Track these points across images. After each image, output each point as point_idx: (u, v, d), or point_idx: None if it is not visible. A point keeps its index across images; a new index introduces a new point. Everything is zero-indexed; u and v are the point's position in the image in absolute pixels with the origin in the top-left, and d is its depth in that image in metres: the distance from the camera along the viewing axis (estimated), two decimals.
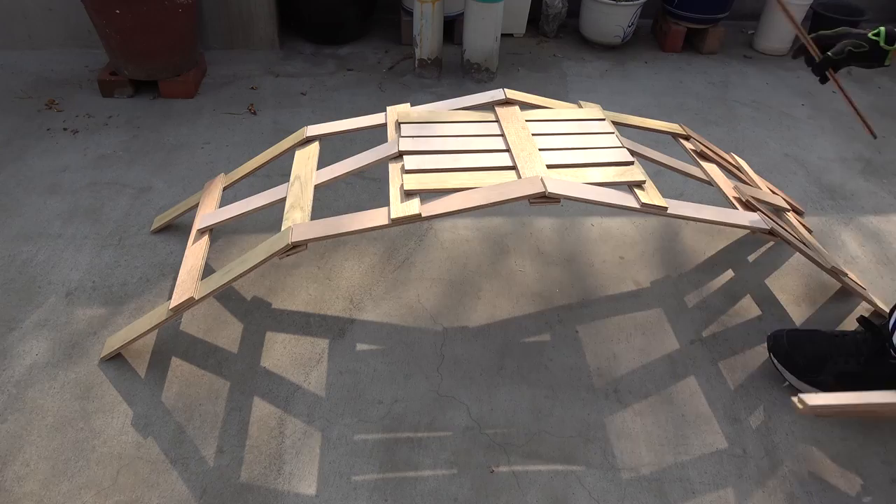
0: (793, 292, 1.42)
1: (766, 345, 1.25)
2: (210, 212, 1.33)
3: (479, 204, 1.07)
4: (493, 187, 1.10)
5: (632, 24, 2.32)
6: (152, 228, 1.47)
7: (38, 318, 1.26)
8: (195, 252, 1.24)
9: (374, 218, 1.08)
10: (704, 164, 1.39)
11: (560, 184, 1.10)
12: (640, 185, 1.17)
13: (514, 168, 1.17)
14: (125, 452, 1.05)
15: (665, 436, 1.13)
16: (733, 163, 1.57)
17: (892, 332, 1.10)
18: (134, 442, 1.07)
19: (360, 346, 1.25)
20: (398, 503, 1.01)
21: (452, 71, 2.21)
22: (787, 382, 1.21)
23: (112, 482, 1.01)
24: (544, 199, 1.09)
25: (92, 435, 1.08)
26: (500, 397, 1.17)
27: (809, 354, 1.19)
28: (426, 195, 1.11)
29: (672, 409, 1.17)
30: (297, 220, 1.12)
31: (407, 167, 1.16)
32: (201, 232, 1.29)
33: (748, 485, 1.07)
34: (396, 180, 1.14)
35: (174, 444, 1.07)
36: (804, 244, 1.30)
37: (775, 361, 1.22)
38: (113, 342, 1.19)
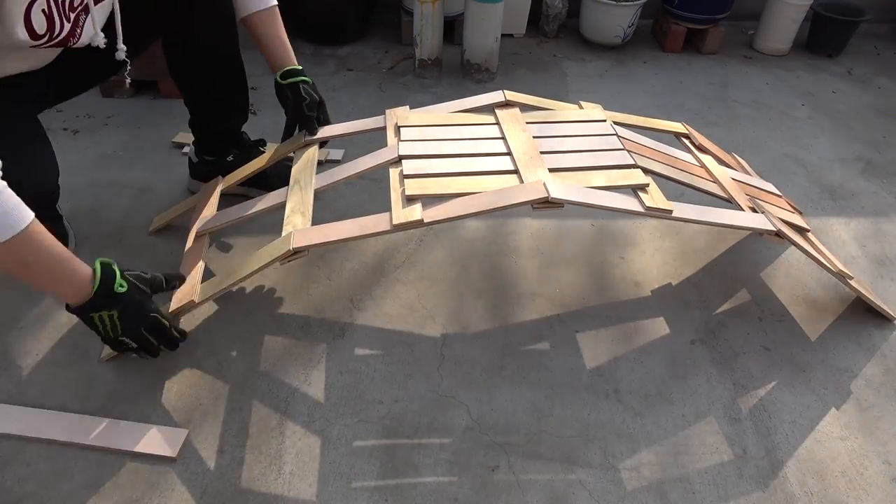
0: (793, 292, 1.42)
1: (765, 345, 1.25)
2: (208, 214, 1.33)
3: (481, 209, 1.07)
4: (496, 192, 1.10)
5: (632, 24, 2.32)
6: (151, 229, 1.47)
7: (38, 318, 1.26)
8: (194, 254, 1.24)
9: (376, 224, 1.08)
10: (703, 157, 1.39)
11: (563, 188, 1.09)
12: (643, 188, 1.16)
13: (516, 172, 1.16)
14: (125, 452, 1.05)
15: (665, 436, 1.13)
16: (735, 163, 1.57)
17: None
18: None
19: (360, 346, 1.25)
20: (398, 503, 1.01)
21: (452, 71, 2.21)
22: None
23: (112, 482, 1.01)
24: (547, 205, 1.08)
25: None
26: (500, 397, 1.17)
27: None
28: (427, 200, 1.11)
29: (672, 409, 1.17)
30: (298, 225, 1.12)
31: (407, 171, 1.16)
32: (200, 235, 1.29)
33: (748, 485, 1.07)
34: (397, 185, 1.14)
35: None
36: (813, 248, 1.29)
37: None
38: None
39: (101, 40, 1.07)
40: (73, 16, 1.03)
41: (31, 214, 0.91)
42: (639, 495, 1.04)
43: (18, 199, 0.90)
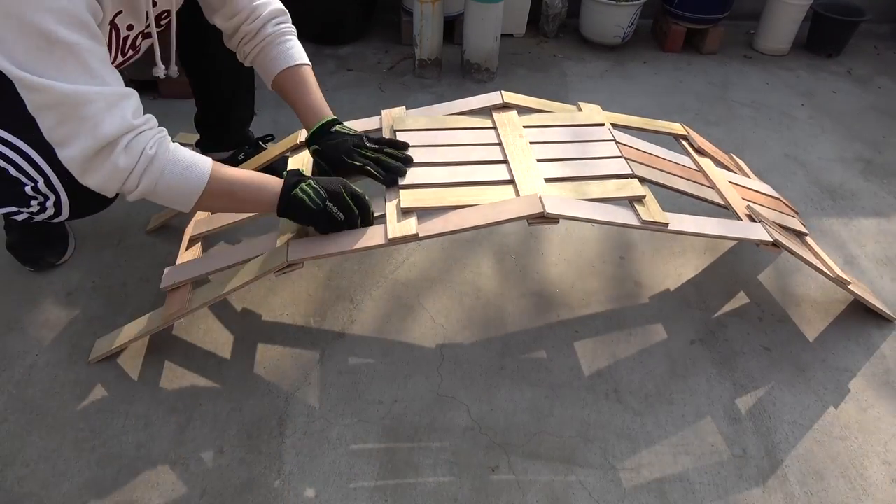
0: (793, 292, 1.42)
1: (765, 345, 1.25)
2: (203, 218, 1.33)
3: (476, 224, 1.07)
4: (492, 206, 1.09)
5: (632, 24, 2.32)
6: (148, 228, 1.47)
7: (38, 318, 1.26)
8: (188, 259, 1.24)
9: (371, 237, 1.08)
10: (701, 160, 1.39)
11: (558, 203, 1.08)
12: (640, 199, 1.15)
13: (511, 182, 1.16)
14: (125, 452, 1.05)
15: (665, 436, 1.13)
16: (733, 165, 1.57)
17: None
18: (134, 442, 1.07)
19: (360, 347, 1.25)
20: (398, 503, 1.01)
21: (452, 71, 2.21)
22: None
23: (112, 482, 1.01)
24: (543, 220, 1.08)
25: (92, 435, 1.08)
26: (500, 397, 1.18)
27: None
28: (423, 211, 1.11)
29: (672, 409, 1.17)
30: (293, 234, 1.12)
31: (402, 181, 1.16)
32: (194, 239, 1.29)
33: (748, 485, 1.07)
34: (393, 196, 1.14)
35: (174, 444, 1.07)
36: (810, 254, 1.29)
37: None
38: (101, 346, 1.19)
39: (161, 72, 1.18)
40: (129, 52, 1.13)
41: (209, 159, 1.02)
42: (639, 495, 1.04)
43: (192, 152, 1.02)
